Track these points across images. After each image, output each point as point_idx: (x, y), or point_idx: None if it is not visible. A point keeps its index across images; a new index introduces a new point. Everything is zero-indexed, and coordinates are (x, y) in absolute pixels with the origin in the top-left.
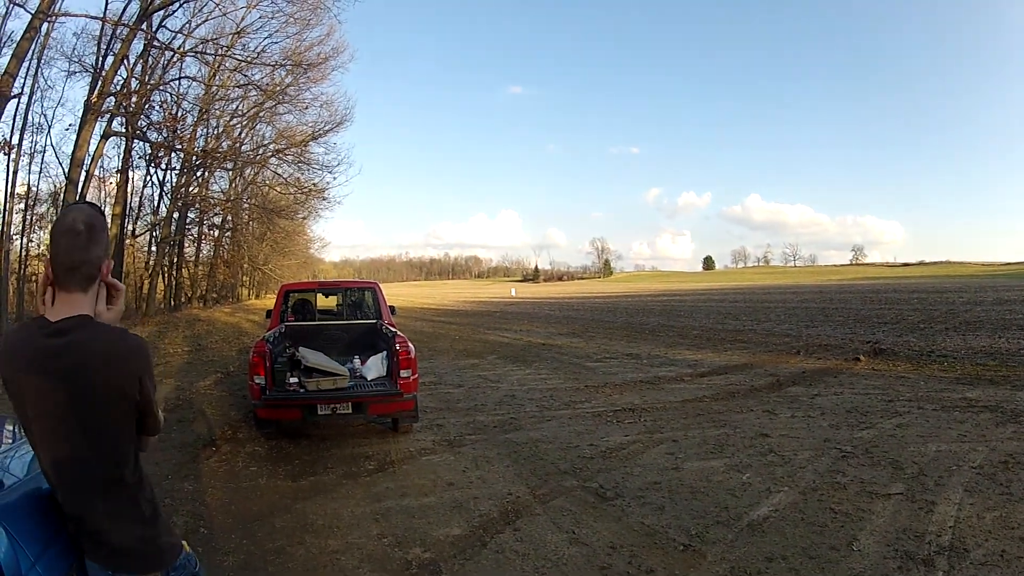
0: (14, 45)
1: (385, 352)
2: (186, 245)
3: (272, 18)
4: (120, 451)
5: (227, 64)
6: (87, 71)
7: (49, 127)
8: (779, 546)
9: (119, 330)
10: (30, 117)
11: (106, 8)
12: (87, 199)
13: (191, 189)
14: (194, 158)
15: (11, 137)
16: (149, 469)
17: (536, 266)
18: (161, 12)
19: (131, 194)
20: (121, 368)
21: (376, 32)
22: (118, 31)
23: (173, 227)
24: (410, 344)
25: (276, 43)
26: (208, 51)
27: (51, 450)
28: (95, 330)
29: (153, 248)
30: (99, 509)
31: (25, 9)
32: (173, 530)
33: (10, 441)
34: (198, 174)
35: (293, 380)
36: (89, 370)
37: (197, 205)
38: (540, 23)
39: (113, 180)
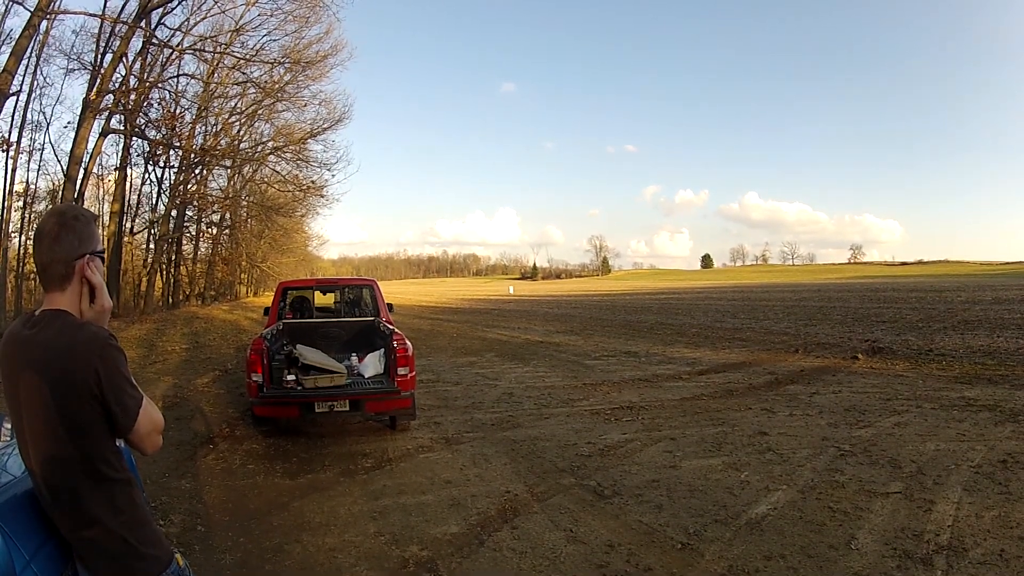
0: (13, 42)
1: (383, 350)
2: (184, 243)
3: (271, 16)
4: (92, 450)
5: (226, 62)
6: (86, 68)
7: (48, 124)
8: (777, 545)
9: (80, 322)
10: (29, 114)
11: (105, 6)
12: (85, 197)
13: (189, 187)
14: (192, 155)
15: (9, 134)
16: (147, 467)
17: (534, 264)
18: (160, 9)
19: (129, 191)
20: (77, 359)
21: (370, 30)
22: (117, 28)
23: (171, 225)
24: (408, 342)
25: (275, 41)
26: (207, 49)
27: (28, 446)
28: (61, 323)
29: (151, 246)
30: (72, 509)
31: (24, 7)
32: (161, 541)
33: (8, 439)
34: (196, 172)
35: (291, 377)
36: (53, 362)
37: (195, 203)
38: (534, 20)
39: (111, 177)
